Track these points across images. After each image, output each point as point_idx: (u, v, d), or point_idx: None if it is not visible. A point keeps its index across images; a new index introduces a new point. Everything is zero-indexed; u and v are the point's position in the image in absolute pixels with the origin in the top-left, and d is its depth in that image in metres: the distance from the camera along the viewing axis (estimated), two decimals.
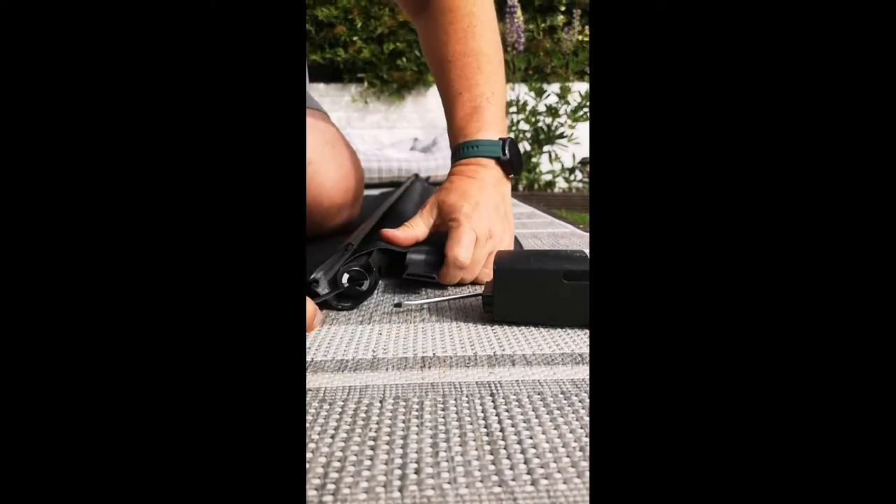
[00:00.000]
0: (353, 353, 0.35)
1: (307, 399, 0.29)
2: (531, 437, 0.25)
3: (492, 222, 0.52)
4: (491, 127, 0.57)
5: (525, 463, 0.23)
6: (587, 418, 0.26)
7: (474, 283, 0.51)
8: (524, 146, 2.69)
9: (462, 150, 0.57)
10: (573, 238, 0.76)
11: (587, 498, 0.21)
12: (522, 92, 2.67)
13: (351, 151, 0.74)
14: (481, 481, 0.22)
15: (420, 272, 0.48)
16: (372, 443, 0.24)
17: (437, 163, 1.88)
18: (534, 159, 2.65)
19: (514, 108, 2.62)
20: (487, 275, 0.49)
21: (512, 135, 2.69)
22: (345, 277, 0.44)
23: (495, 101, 0.59)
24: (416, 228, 0.52)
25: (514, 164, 0.57)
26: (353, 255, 0.47)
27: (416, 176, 1.44)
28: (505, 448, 0.24)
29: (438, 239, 0.52)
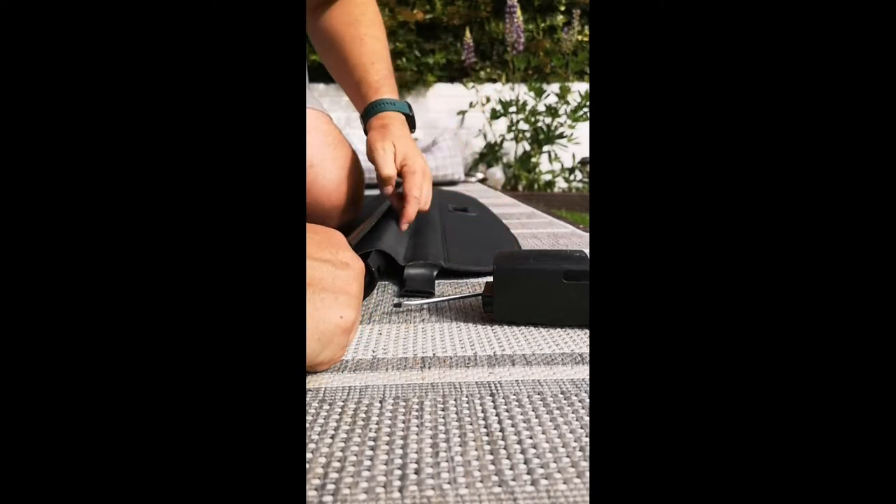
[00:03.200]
0: (353, 353, 0.35)
1: (307, 399, 0.29)
2: (531, 437, 0.25)
3: (424, 161, 0.68)
4: (396, 92, 0.75)
5: (525, 463, 0.23)
6: (587, 418, 0.26)
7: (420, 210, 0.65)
8: (524, 146, 2.69)
9: (382, 104, 0.72)
10: (573, 238, 0.76)
11: (587, 498, 0.21)
12: (522, 92, 2.67)
13: (352, 152, 0.74)
14: (481, 481, 0.22)
15: (419, 287, 0.48)
16: (372, 443, 0.24)
17: (437, 163, 1.87)
18: (533, 159, 2.65)
19: (513, 108, 2.62)
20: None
21: (511, 135, 2.70)
22: None
23: (392, 74, 0.77)
24: (392, 176, 0.64)
25: (412, 119, 0.74)
26: None
27: None
28: (505, 448, 0.24)
29: (434, 251, 0.57)
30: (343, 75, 0.77)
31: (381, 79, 0.73)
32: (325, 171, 0.67)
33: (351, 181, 0.71)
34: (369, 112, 0.72)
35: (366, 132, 0.71)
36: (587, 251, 0.49)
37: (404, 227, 0.62)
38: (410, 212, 0.62)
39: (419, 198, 0.64)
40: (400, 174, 0.65)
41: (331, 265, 0.32)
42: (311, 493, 0.21)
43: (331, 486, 0.21)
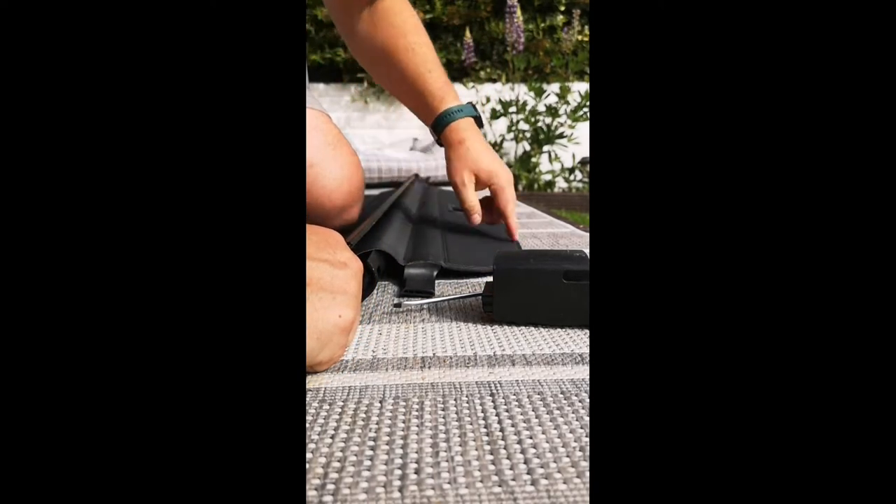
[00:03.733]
0: (353, 353, 0.35)
1: (307, 399, 0.29)
2: (531, 437, 0.25)
3: (505, 170, 0.69)
4: (458, 97, 0.73)
5: (525, 463, 0.23)
6: (587, 418, 0.26)
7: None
8: (524, 146, 2.69)
9: (453, 113, 0.70)
10: (573, 238, 0.76)
11: (587, 498, 0.21)
12: (522, 92, 2.67)
13: (352, 152, 0.74)
14: (481, 481, 0.22)
15: (419, 287, 0.48)
16: (372, 443, 0.24)
17: (437, 163, 1.87)
18: (533, 159, 2.65)
19: (513, 108, 2.62)
20: (516, 219, 0.68)
21: (511, 135, 2.70)
22: None
23: (449, 80, 0.75)
24: (477, 207, 0.67)
25: (479, 119, 0.73)
26: None
27: (416, 176, 1.44)
28: (505, 448, 0.24)
29: (434, 251, 0.57)
30: (400, 88, 0.75)
31: (442, 86, 0.72)
32: (325, 171, 0.67)
33: (351, 181, 0.71)
34: (440, 123, 0.71)
35: (439, 143, 0.72)
36: (587, 251, 0.49)
37: (516, 237, 0.67)
38: (514, 224, 0.67)
39: (514, 210, 0.68)
40: (490, 189, 0.68)
41: (329, 265, 0.32)
42: (311, 493, 0.21)
43: (331, 486, 0.21)
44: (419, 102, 0.73)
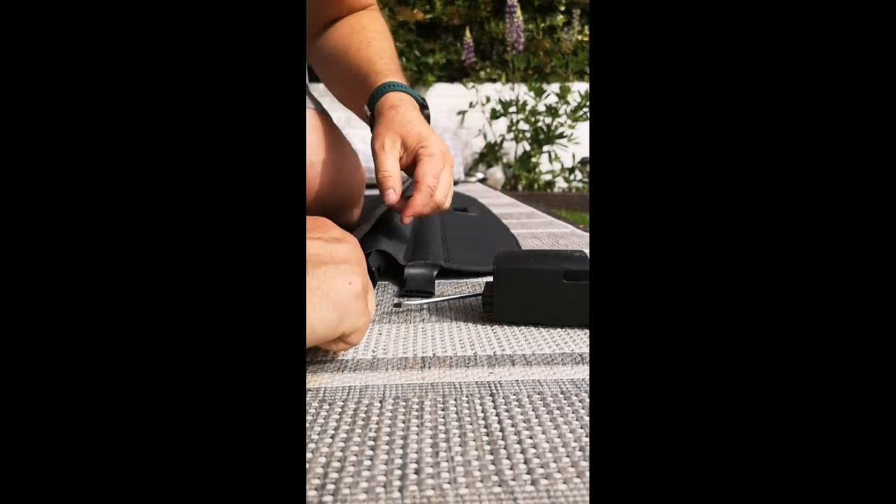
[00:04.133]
0: (353, 353, 0.35)
1: (307, 399, 0.29)
2: (531, 437, 0.25)
3: (441, 143, 0.56)
4: (406, 83, 0.63)
5: (525, 463, 0.23)
6: (587, 418, 0.26)
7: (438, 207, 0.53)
8: (524, 146, 2.69)
9: (394, 85, 0.61)
10: (573, 238, 0.76)
11: (587, 498, 0.21)
12: (522, 92, 2.67)
13: (352, 152, 0.74)
14: (481, 481, 0.22)
15: (419, 287, 0.48)
16: (372, 443, 0.24)
17: None
18: (533, 159, 2.65)
19: (513, 108, 2.62)
20: (441, 197, 0.53)
21: (511, 135, 2.69)
22: None
23: (402, 72, 0.66)
24: (394, 178, 0.52)
25: (425, 107, 0.63)
26: None
27: None
28: (505, 448, 0.24)
29: (434, 251, 0.55)
30: (346, 80, 0.67)
31: (389, 66, 0.63)
32: (325, 172, 0.67)
33: (351, 181, 0.71)
34: (375, 97, 0.60)
35: (372, 125, 0.59)
36: (587, 251, 0.49)
37: (407, 220, 0.50)
38: (419, 202, 0.50)
39: (433, 187, 0.51)
40: (415, 160, 0.54)
41: (322, 241, 0.31)
42: (311, 493, 0.21)
43: (331, 486, 0.21)
44: (362, 88, 0.63)
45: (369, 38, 0.67)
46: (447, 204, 0.54)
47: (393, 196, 0.51)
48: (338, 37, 0.70)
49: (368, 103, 0.61)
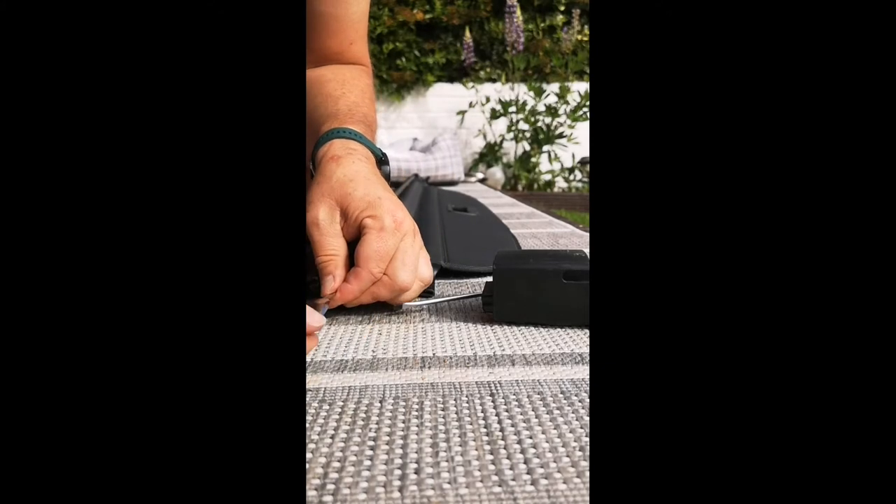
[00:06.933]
0: (353, 353, 0.35)
1: (307, 399, 0.29)
2: (531, 437, 0.25)
3: (397, 209, 0.42)
4: (371, 135, 0.51)
5: (525, 463, 0.23)
6: (587, 418, 0.26)
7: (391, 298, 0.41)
8: (524, 146, 2.69)
9: (345, 132, 0.48)
10: (573, 238, 0.76)
11: (587, 498, 0.21)
12: (522, 92, 2.67)
13: None
14: (481, 481, 0.22)
15: None
16: (372, 443, 0.24)
17: (437, 163, 1.87)
18: (533, 159, 2.65)
19: (513, 108, 2.62)
20: (404, 279, 0.40)
21: (511, 135, 2.69)
22: None
23: (373, 126, 0.54)
24: (338, 258, 0.40)
25: (386, 168, 0.51)
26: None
27: (416, 176, 1.44)
28: (505, 448, 0.24)
29: (434, 251, 0.51)
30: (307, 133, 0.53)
31: (352, 116, 0.51)
32: None
33: None
34: (319, 142, 0.47)
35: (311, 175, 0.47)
36: (587, 251, 0.49)
37: (329, 304, 0.39)
38: (353, 288, 0.39)
39: (377, 275, 0.39)
40: (359, 233, 0.41)
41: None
42: (311, 493, 0.21)
43: (331, 486, 0.21)
44: (312, 139, 0.50)
45: (346, 90, 0.56)
46: (413, 289, 0.41)
47: (330, 285, 0.39)
48: (311, 78, 0.59)
49: (312, 154, 0.48)
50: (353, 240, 0.41)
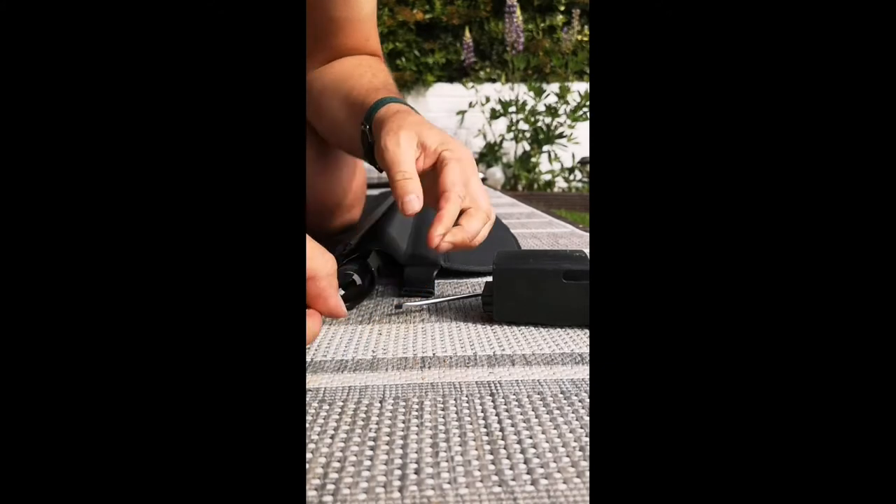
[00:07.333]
0: (353, 354, 0.35)
1: (307, 399, 0.29)
2: (531, 437, 0.25)
3: (468, 151, 0.47)
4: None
5: (525, 463, 0.23)
6: (587, 418, 0.26)
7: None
8: (524, 146, 2.69)
9: (397, 101, 0.51)
10: (573, 238, 0.76)
11: (587, 498, 0.21)
12: (522, 92, 2.67)
13: None
14: (481, 481, 0.22)
15: (418, 287, 0.48)
16: (372, 443, 0.24)
17: None
18: (533, 159, 2.65)
19: (513, 108, 2.62)
20: (486, 202, 0.44)
21: (511, 135, 2.70)
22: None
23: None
24: (414, 181, 0.41)
25: None
26: (350, 256, 0.47)
27: None
28: (505, 448, 0.24)
29: (434, 252, 0.50)
30: (343, 106, 0.57)
31: (392, 92, 0.54)
32: (325, 171, 0.67)
33: (351, 181, 0.71)
34: (376, 107, 0.50)
35: (370, 137, 0.49)
36: (587, 251, 0.49)
37: (438, 242, 0.40)
38: (451, 211, 0.40)
39: (463, 196, 0.41)
40: (435, 167, 0.44)
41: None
42: (311, 493, 0.21)
43: (331, 486, 0.21)
44: (358, 110, 0.53)
45: (374, 72, 0.59)
46: (484, 232, 0.43)
47: (416, 203, 0.40)
48: (339, 68, 0.62)
49: (366, 118, 0.51)
50: (424, 175, 0.43)
